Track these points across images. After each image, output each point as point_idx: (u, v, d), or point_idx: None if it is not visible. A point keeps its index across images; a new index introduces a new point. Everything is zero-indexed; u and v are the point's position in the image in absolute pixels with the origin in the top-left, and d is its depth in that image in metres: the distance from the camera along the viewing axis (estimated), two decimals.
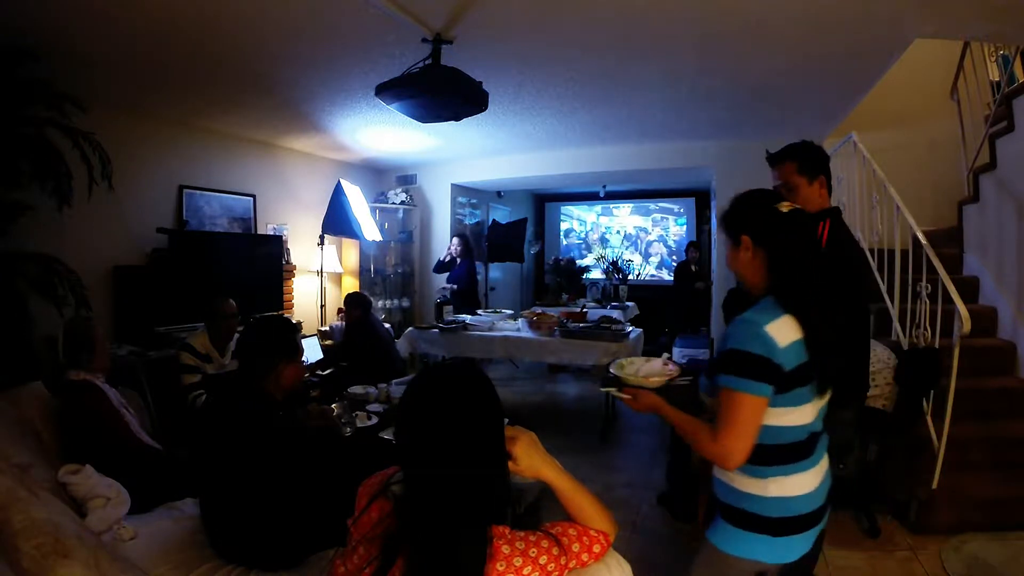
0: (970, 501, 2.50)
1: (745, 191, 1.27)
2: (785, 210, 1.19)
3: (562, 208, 9.06)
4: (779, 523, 1.18)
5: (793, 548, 1.20)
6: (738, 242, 1.23)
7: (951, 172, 4.28)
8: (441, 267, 5.47)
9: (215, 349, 2.85)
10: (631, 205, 8.59)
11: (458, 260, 5.32)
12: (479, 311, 4.98)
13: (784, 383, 1.11)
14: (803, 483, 1.19)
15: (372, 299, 4.31)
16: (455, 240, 5.40)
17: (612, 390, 1.40)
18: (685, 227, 8.25)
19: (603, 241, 8.69)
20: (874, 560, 2.32)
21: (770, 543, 1.18)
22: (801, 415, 1.16)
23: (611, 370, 1.43)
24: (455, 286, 5.29)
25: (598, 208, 8.80)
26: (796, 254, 1.18)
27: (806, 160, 1.74)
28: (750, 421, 1.11)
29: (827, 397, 1.26)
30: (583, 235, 8.90)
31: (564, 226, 9.09)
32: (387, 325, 4.59)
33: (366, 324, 3.81)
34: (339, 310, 5.21)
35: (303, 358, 1.82)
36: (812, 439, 1.20)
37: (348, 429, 2.29)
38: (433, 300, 5.82)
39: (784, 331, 1.12)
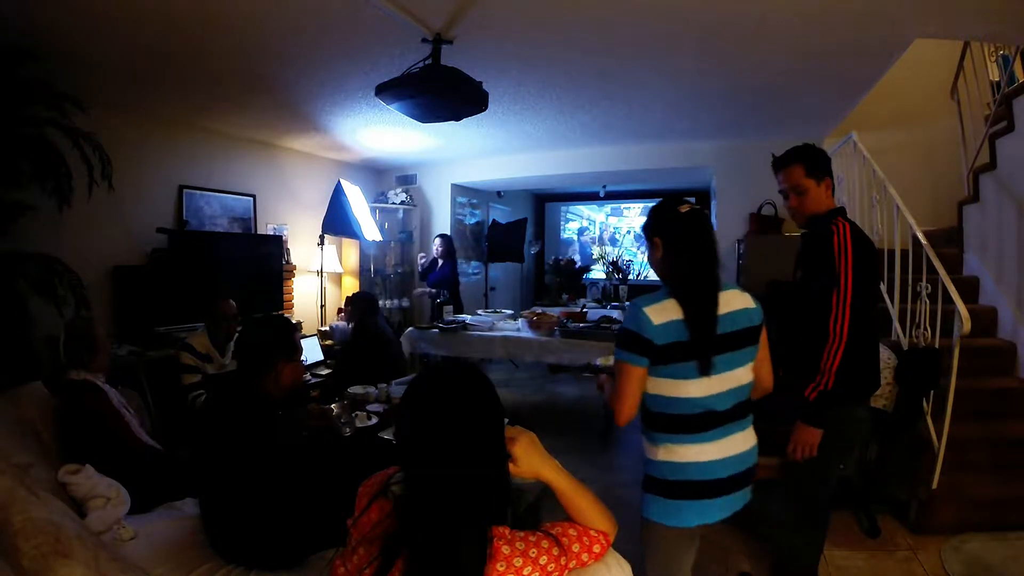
0: (970, 501, 2.51)
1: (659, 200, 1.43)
2: (684, 210, 1.33)
3: (572, 208, 9.06)
4: (670, 485, 1.33)
5: (685, 513, 1.32)
6: (653, 244, 1.38)
7: (951, 172, 4.27)
8: (425, 275, 5.34)
9: (215, 349, 2.86)
10: (640, 205, 8.58)
11: (440, 261, 5.19)
12: (479, 311, 4.95)
13: (657, 356, 1.27)
14: (695, 453, 1.30)
15: None
16: (437, 240, 5.27)
17: (591, 376, 1.58)
18: None
19: (613, 241, 8.69)
20: (874, 560, 2.32)
21: (663, 504, 1.33)
22: (688, 389, 1.28)
23: (596, 361, 1.60)
24: (434, 290, 5.13)
25: (607, 208, 8.81)
26: (684, 244, 1.32)
27: (814, 162, 1.76)
28: (629, 386, 1.30)
29: (741, 380, 1.34)
30: (597, 235, 8.90)
31: (575, 225, 9.09)
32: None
33: (373, 325, 3.78)
34: (339, 310, 5.19)
35: (302, 357, 1.82)
36: (709, 417, 1.30)
37: (348, 429, 2.29)
38: (422, 305, 5.71)
39: (660, 312, 1.27)
